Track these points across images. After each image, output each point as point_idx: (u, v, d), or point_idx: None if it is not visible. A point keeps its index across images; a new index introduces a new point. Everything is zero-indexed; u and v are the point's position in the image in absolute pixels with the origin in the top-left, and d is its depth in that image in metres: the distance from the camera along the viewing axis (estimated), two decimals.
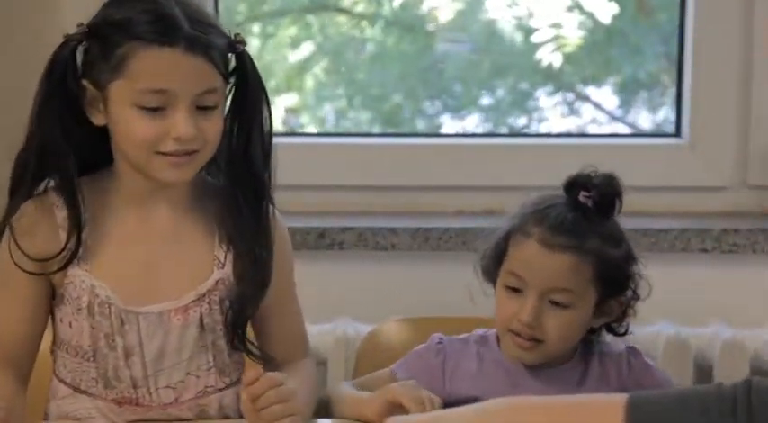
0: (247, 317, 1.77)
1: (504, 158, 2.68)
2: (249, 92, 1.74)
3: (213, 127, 1.69)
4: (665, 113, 2.81)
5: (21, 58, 2.35)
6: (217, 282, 1.75)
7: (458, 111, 2.87)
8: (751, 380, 1.18)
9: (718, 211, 2.63)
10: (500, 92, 2.89)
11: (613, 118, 2.89)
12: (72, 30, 1.69)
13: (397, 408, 1.68)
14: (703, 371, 2.46)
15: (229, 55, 1.71)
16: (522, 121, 2.90)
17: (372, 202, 2.61)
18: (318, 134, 2.86)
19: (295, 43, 2.80)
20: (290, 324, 1.88)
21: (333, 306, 2.50)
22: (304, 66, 2.82)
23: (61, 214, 1.71)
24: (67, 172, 1.70)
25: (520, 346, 1.78)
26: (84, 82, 1.69)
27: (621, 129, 2.90)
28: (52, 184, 1.74)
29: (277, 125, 2.82)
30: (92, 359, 1.73)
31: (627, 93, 2.87)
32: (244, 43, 1.73)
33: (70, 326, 1.74)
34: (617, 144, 2.78)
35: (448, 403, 1.69)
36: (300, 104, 2.87)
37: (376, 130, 2.88)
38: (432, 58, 2.84)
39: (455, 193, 2.62)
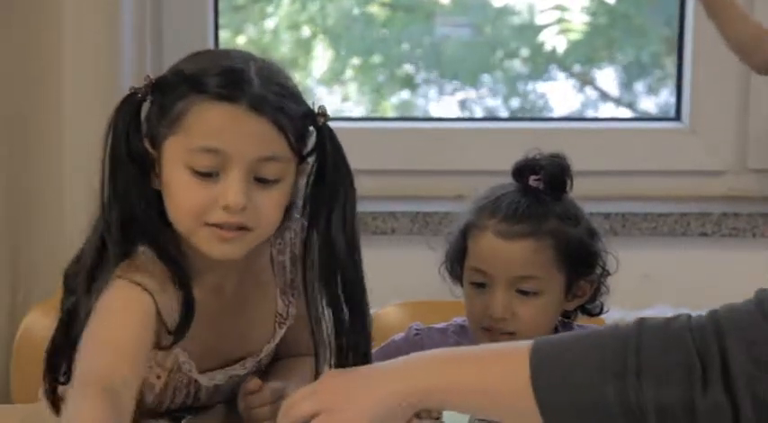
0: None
1: (504, 142, 2.68)
2: (330, 167, 1.54)
3: (270, 203, 1.50)
4: (667, 97, 2.81)
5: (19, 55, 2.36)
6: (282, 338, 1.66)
7: (458, 92, 2.87)
8: (643, 319, 1.23)
9: (718, 194, 2.64)
10: (500, 74, 2.88)
11: (614, 100, 2.89)
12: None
13: None
14: None
15: (310, 128, 1.53)
16: (526, 103, 2.90)
17: (372, 187, 2.60)
18: None
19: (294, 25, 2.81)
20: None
21: None
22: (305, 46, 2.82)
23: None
24: (160, 239, 1.51)
25: (493, 342, 1.74)
26: (146, 141, 1.51)
27: (623, 112, 2.90)
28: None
29: None
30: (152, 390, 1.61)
31: (629, 75, 2.87)
32: (326, 116, 1.52)
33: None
34: (617, 128, 2.78)
35: None
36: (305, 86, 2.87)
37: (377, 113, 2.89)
38: (432, 38, 2.84)
39: (455, 178, 2.62)
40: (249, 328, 1.62)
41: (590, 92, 2.89)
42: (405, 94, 2.89)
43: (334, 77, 2.86)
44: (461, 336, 1.83)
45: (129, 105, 1.50)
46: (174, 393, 1.61)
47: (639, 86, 2.89)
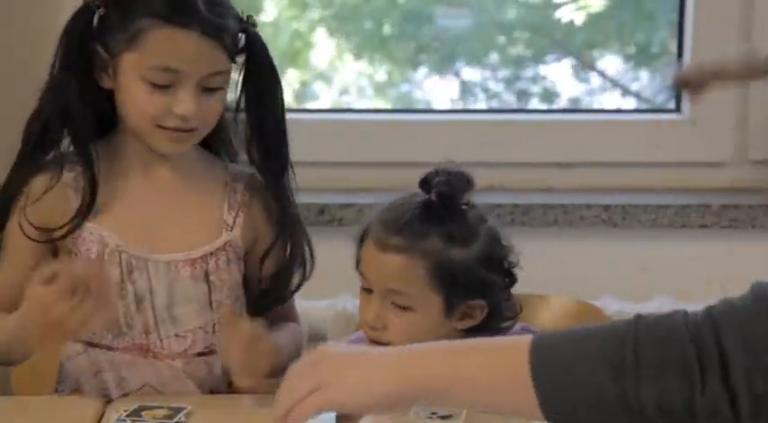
0: (287, 298, 1.88)
1: (505, 134, 2.68)
2: (259, 72, 1.80)
3: (214, 107, 1.75)
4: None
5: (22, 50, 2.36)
6: (225, 243, 1.81)
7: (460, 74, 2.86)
8: (640, 315, 1.24)
9: (718, 186, 2.63)
10: (502, 56, 2.87)
11: (619, 87, 2.88)
12: None
13: None
14: None
15: (240, 35, 1.77)
16: (531, 89, 2.88)
17: (372, 179, 2.61)
18: (318, 110, 2.86)
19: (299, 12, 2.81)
20: None
21: (333, 282, 2.49)
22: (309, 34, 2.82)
23: (70, 175, 1.77)
24: (86, 134, 1.77)
25: None
26: (98, 46, 1.74)
27: (627, 102, 2.89)
28: (62, 148, 1.79)
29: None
30: None
31: (635, 61, 2.86)
32: (255, 24, 1.78)
33: None
34: (618, 120, 2.78)
35: None
36: (308, 76, 2.87)
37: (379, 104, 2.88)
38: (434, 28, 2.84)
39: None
40: (187, 221, 1.81)
41: (594, 80, 2.88)
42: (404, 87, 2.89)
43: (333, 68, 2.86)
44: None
45: (85, 14, 1.74)
46: (119, 287, 1.76)
47: (645, 73, 2.88)
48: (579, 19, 2.74)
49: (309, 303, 2.46)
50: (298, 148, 2.64)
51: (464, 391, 1.26)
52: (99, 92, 1.76)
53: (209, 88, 1.73)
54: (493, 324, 1.76)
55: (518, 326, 1.85)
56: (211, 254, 1.80)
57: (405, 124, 2.73)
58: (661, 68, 2.83)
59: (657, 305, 2.47)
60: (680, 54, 2.68)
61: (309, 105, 2.88)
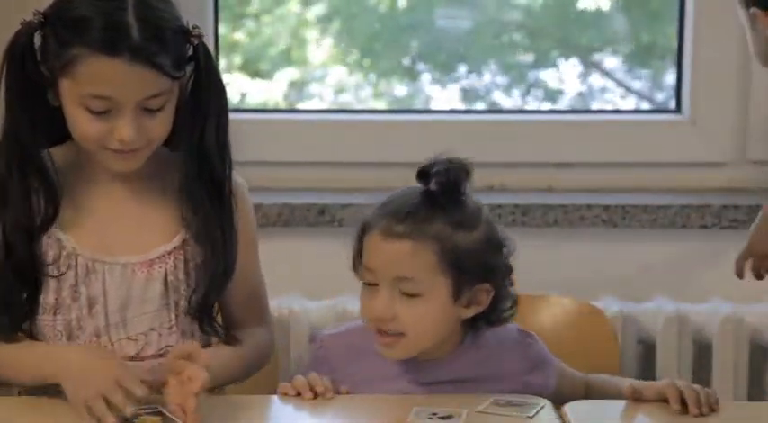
0: (212, 302, 1.83)
1: (505, 135, 2.68)
2: (204, 83, 1.77)
3: (158, 126, 1.73)
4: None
5: None
6: (183, 241, 1.81)
7: (473, 70, 2.86)
8: None
9: (718, 186, 2.64)
10: (504, 61, 2.88)
11: (623, 87, 2.88)
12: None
13: None
14: (702, 347, 2.47)
15: (186, 46, 1.74)
16: (532, 88, 2.89)
17: (372, 179, 2.62)
18: (318, 111, 2.86)
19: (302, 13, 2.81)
20: (249, 289, 1.91)
21: (333, 282, 2.50)
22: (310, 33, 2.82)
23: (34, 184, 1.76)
24: (39, 160, 1.75)
25: (382, 344, 1.76)
26: (42, 67, 1.73)
27: (626, 102, 2.90)
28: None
29: (280, 99, 2.84)
30: (56, 312, 1.78)
31: (638, 60, 2.86)
32: (199, 36, 1.74)
33: None
34: (618, 120, 2.77)
35: None
36: (305, 75, 2.87)
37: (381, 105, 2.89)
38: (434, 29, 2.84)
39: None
40: (144, 221, 1.80)
41: (596, 80, 2.88)
42: (402, 88, 2.89)
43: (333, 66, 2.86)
44: (363, 337, 1.81)
45: (24, 36, 1.71)
46: (73, 290, 1.76)
47: (647, 73, 2.88)
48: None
49: (310, 303, 2.47)
50: (297, 149, 2.66)
51: None
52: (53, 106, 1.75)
53: (150, 109, 1.71)
54: (496, 312, 1.79)
55: (514, 326, 1.86)
56: (169, 253, 1.80)
57: (405, 125, 2.73)
58: (664, 67, 2.84)
59: (657, 305, 2.47)
60: (680, 53, 2.68)
61: (307, 105, 2.88)
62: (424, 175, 1.77)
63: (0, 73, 1.72)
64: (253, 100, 2.83)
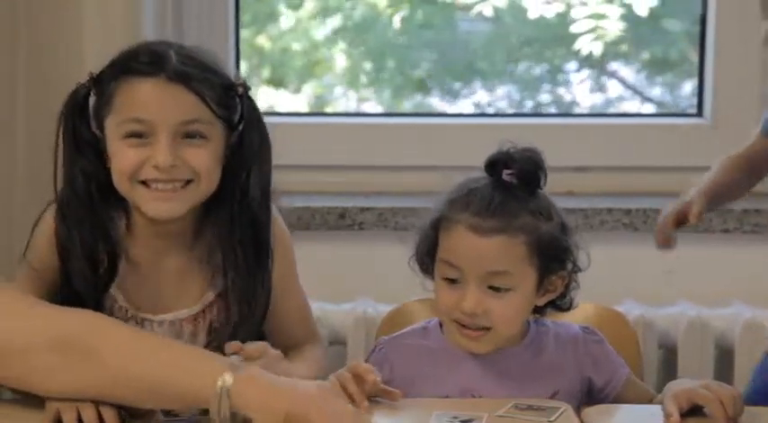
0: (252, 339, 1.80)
1: (526, 138, 2.66)
2: (247, 134, 1.77)
3: (200, 156, 1.71)
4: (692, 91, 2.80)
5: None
6: (219, 294, 1.81)
7: (486, 86, 2.86)
8: None
9: None
10: (524, 67, 2.87)
11: (640, 95, 2.88)
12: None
13: None
14: (724, 351, 2.46)
15: (236, 100, 1.75)
16: (547, 98, 2.89)
17: (392, 182, 2.62)
18: (340, 114, 2.86)
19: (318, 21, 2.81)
20: (294, 313, 1.91)
21: (353, 286, 2.50)
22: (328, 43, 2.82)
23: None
24: (103, 230, 1.76)
25: (467, 337, 1.75)
26: (95, 128, 1.75)
27: (647, 108, 2.89)
28: None
29: (303, 106, 2.84)
30: None
31: (654, 70, 2.86)
32: (245, 87, 1.75)
33: None
34: (640, 124, 2.77)
35: None
36: (325, 87, 2.87)
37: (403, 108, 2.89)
38: (456, 35, 2.83)
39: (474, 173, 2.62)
40: (191, 279, 1.80)
41: (613, 89, 2.87)
42: (418, 98, 2.89)
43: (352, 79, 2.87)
44: (425, 338, 1.82)
45: (75, 99, 1.74)
46: None
47: (662, 81, 2.87)
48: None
49: (330, 307, 2.47)
50: (318, 153, 2.67)
51: None
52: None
53: (189, 135, 1.70)
54: (564, 297, 1.80)
55: (578, 326, 1.86)
56: (211, 303, 1.81)
57: (424, 128, 2.73)
58: (680, 77, 2.83)
59: (678, 310, 2.46)
60: (701, 56, 2.68)
61: (328, 109, 2.89)
62: (498, 164, 1.75)
63: (56, 138, 1.74)
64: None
